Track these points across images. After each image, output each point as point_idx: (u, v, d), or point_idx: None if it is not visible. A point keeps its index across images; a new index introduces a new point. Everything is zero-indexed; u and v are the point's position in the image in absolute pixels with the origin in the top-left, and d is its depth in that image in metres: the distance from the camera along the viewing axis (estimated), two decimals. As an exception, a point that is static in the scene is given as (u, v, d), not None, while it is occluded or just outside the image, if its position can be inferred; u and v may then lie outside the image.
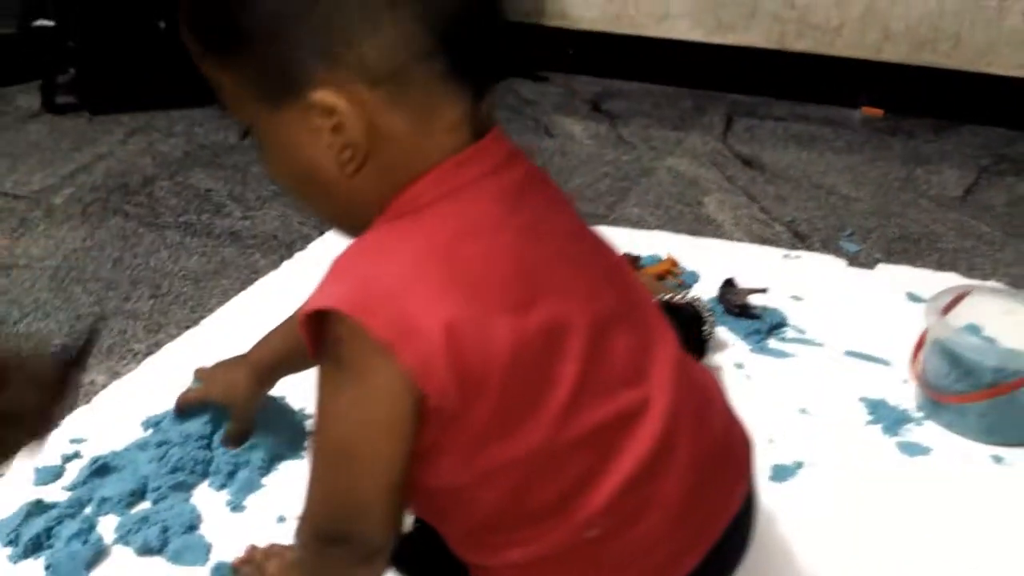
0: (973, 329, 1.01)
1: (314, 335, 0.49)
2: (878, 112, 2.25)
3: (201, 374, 0.89)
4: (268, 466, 0.86)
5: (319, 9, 0.46)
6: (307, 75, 0.47)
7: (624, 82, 2.44)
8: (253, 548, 0.75)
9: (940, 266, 1.40)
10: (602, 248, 0.60)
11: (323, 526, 0.54)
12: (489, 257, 0.50)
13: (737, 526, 0.62)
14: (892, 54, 2.24)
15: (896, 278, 1.31)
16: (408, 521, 0.67)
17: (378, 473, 0.51)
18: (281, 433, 0.88)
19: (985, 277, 1.35)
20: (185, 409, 0.87)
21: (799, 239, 1.48)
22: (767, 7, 2.31)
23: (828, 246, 1.45)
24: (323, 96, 0.47)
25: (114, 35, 2.00)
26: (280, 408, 0.91)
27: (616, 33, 2.46)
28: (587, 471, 0.53)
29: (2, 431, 0.60)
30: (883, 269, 1.36)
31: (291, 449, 0.88)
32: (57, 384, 0.61)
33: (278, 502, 0.82)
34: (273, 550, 0.74)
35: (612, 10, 2.45)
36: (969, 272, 1.38)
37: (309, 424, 0.89)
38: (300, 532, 0.56)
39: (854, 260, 1.40)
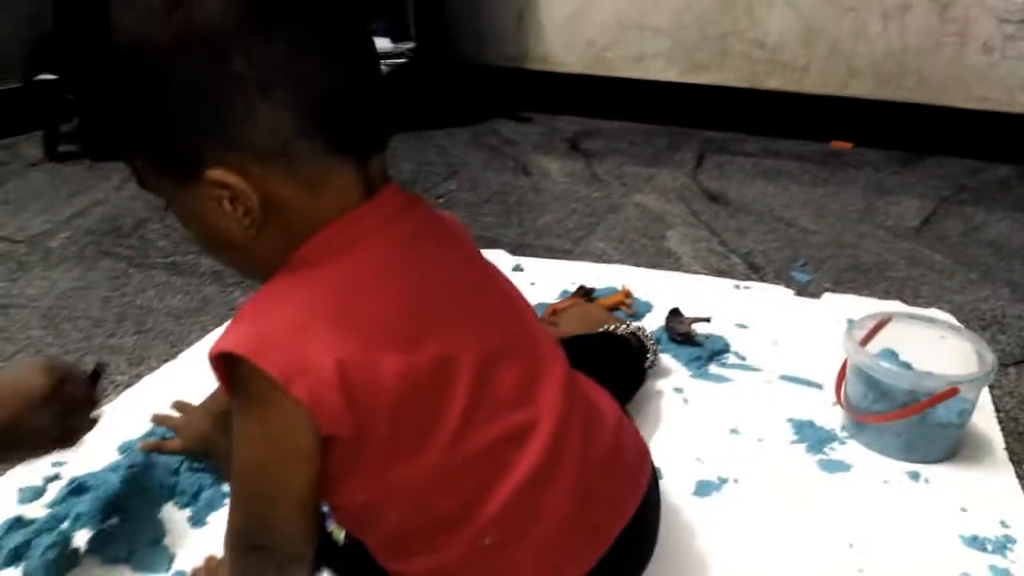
0: (890, 354, 1.08)
1: (224, 375, 0.56)
2: (847, 145, 2.34)
3: (169, 423, 0.95)
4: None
5: (205, 103, 0.52)
6: (202, 157, 0.54)
7: (603, 121, 2.54)
8: (210, 558, 0.83)
9: (887, 294, 1.47)
10: (497, 287, 0.68)
11: (243, 537, 0.61)
12: (377, 302, 0.57)
13: (631, 533, 0.69)
14: (858, 90, 2.33)
15: (839, 307, 1.38)
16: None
17: (287, 494, 0.58)
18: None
19: (928, 305, 1.42)
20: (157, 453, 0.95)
21: (753, 270, 1.55)
22: (738, 48, 2.40)
23: (781, 276, 1.53)
24: (217, 175, 0.54)
25: (113, 86, 2.11)
26: None
27: (595, 75, 2.56)
28: (480, 485, 0.61)
29: (72, 417, 0.79)
30: (828, 298, 1.43)
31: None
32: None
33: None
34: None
35: (591, 53, 2.56)
36: (914, 300, 1.45)
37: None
38: (226, 540, 0.63)
39: (803, 290, 1.47)
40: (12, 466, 0.92)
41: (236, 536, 0.62)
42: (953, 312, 1.39)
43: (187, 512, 0.90)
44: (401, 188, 0.63)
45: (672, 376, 1.18)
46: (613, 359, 1.08)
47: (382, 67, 0.60)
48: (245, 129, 0.53)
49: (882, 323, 1.10)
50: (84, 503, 0.90)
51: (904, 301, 1.43)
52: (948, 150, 2.26)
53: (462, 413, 0.58)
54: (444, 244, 0.65)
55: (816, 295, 1.45)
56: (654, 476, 0.75)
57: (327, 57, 0.54)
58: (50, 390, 0.76)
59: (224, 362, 0.55)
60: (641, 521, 0.70)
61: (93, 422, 0.83)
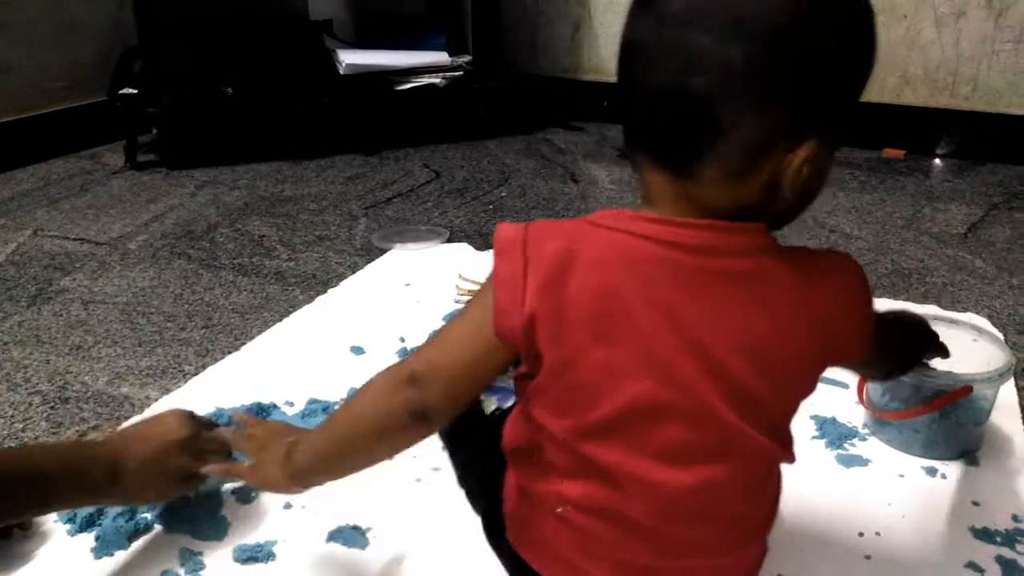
0: (910, 352, 1.11)
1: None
2: (899, 153, 2.33)
3: (246, 448, 0.82)
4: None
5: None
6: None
7: (655, 130, 2.58)
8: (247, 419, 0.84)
9: (924, 299, 1.49)
10: (746, 365, 0.60)
11: (407, 368, 0.65)
12: (589, 290, 0.59)
13: None
14: (912, 98, 2.32)
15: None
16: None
17: (466, 361, 0.63)
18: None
19: (966, 310, 1.44)
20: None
21: (792, 275, 1.58)
22: (789, 56, 2.42)
23: (819, 281, 1.55)
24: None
25: (189, 101, 2.26)
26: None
27: (647, 84, 2.61)
28: (563, 477, 0.65)
29: (200, 463, 0.87)
30: (864, 301, 1.46)
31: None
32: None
33: (283, 496, 0.98)
34: (272, 427, 0.83)
35: (643, 63, 2.60)
36: (953, 305, 1.46)
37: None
38: (390, 368, 0.67)
39: (839, 293, 1.49)
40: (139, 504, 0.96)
41: (402, 366, 0.66)
42: (990, 317, 1.41)
43: (236, 485, 0.99)
44: (772, 246, 0.61)
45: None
46: None
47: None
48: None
49: (905, 324, 1.13)
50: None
51: (941, 306, 1.45)
52: (1003, 158, 2.25)
53: (601, 421, 0.61)
54: (738, 303, 0.59)
55: (852, 299, 1.47)
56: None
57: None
58: (185, 435, 0.87)
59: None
60: None
61: (227, 472, 0.87)
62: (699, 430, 0.61)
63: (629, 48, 0.60)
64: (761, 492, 0.68)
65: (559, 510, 0.66)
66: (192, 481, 0.89)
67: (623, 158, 2.36)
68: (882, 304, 1.42)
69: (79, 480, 0.80)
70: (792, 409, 0.66)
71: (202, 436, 0.89)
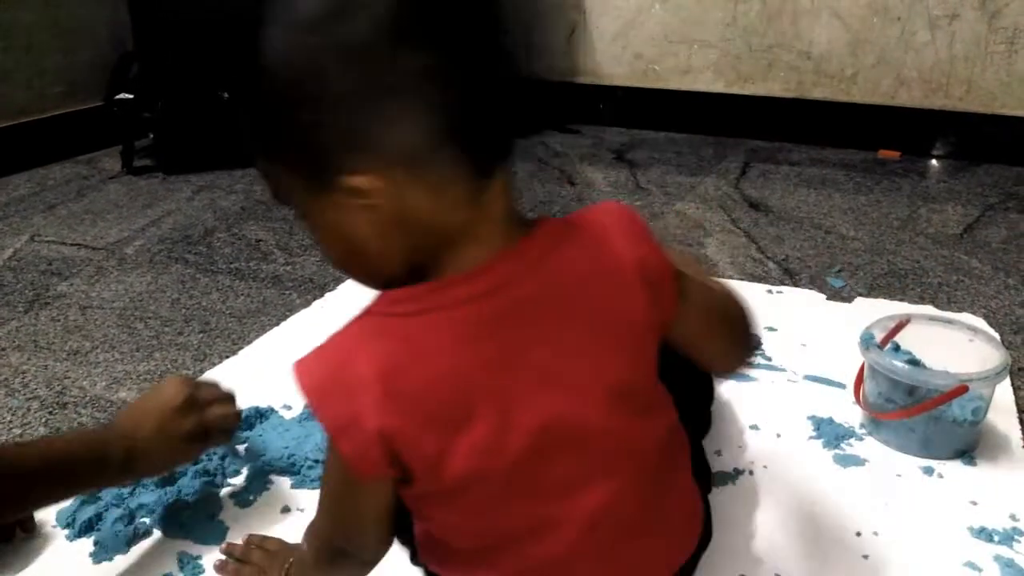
0: (907, 354, 1.12)
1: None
2: (895, 155, 2.34)
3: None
4: (268, 475, 1.03)
5: (346, 112, 0.54)
6: (342, 165, 0.54)
7: (651, 132, 2.60)
8: (232, 545, 0.91)
9: (920, 299, 1.49)
10: (592, 375, 0.61)
11: (328, 538, 0.69)
12: (430, 379, 0.57)
13: None
14: (906, 99, 2.33)
15: (870, 311, 1.40)
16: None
17: (362, 514, 0.64)
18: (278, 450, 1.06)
19: (962, 310, 1.44)
20: None
21: (788, 276, 1.59)
22: (784, 58, 2.43)
23: (815, 282, 1.56)
24: (356, 181, 0.54)
25: (184, 105, 2.26)
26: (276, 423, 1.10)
27: (643, 87, 2.62)
28: (495, 554, 0.65)
29: (212, 417, 0.92)
30: (860, 303, 1.46)
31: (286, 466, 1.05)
32: None
33: (282, 499, 0.98)
34: (253, 540, 0.90)
35: (639, 66, 2.62)
36: (949, 305, 1.47)
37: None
38: (310, 540, 0.71)
39: (835, 295, 1.50)
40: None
41: (321, 540, 0.70)
42: (986, 317, 1.41)
43: (239, 492, 0.99)
44: (547, 229, 0.61)
45: (698, 375, 1.23)
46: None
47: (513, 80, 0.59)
48: (381, 137, 0.54)
49: (901, 324, 1.13)
50: (149, 482, 1.00)
51: (938, 306, 1.46)
52: (998, 158, 2.26)
53: (494, 493, 0.61)
54: (542, 323, 0.60)
55: (848, 300, 1.48)
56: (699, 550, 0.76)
57: (463, 67, 0.55)
58: (184, 398, 0.89)
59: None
60: None
61: (237, 415, 0.96)
62: (583, 452, 0.62)
63: None
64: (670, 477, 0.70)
65: None
66: (207, 438, 0.92)
67: (619, 160, 2.36)
68: (878, 305, 1.44)
69: (100, 464, 0.83)
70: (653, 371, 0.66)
71: (201, 390, 0.92)
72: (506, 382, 0.59)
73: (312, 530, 0.72)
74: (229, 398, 0.95)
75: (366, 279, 0.63)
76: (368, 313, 0.59)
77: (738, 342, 0.75)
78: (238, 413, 0.95)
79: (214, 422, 0.91)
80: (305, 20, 0.53)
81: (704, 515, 0.77)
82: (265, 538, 0.91)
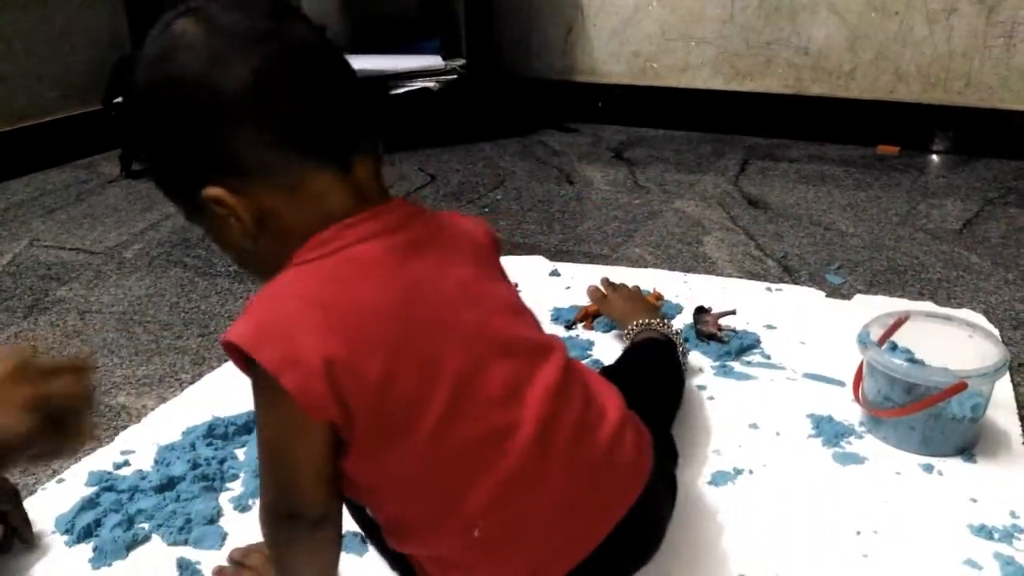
0: (905, 351, 1.11)
1: (237, 358, 0.62)
2: (893, 150, 2.34)
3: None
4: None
5: (190, 133, 0.63)
6: (199, 179, 0.64)
7: (649, 130, 2.60)
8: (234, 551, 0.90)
9: (920, 295, 1.49)
10: (495, 295, 0.72)
11: (274, 509, 0.68)
12: (364, 303, 0.62)
13: (623, 532, 0.72)
14: (905, 95, 2.33)
15: (869, 308, 1.40)
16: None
17: (304, 466, 0.64)
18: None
19: (961, 306, 1.44)
20: None
21: (787, 273, 1.59)
22: (782, 55, 2.43)
23: (814, 279, 1.56)
24: (210, 192, 0.63)
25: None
26: None
27: (641, 85, 2.62)
28: (463, 482, 0.66)
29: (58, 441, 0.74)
30: (859, 300, 1.46)
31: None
32: None
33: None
34: (252, 547, 0.89)
35: (637, 64, 2.62)
36: (948, 301, 1.46)
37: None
38: (261, 515, 0.70)
39: (835, 292, 1.50)
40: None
41: (269, 510, 0.69)
42: (986, 312, 1.41)
43: (237, 496, 0.99)
44: (407, 202, 0.70)
45: (698, 374, 1.23)
46: (660, 364, 1.12)
47: (357, 79, 0.68)
48: (226, 151, 0.62)
49: (900, 321, 1.13)
50: (148, 487, 1.00)
51: (937, 302, 1.45)
52: (997, 152, 2.25)
53: (443, 411, 0.63)
54: (445, 253, 0.69)
55: (848, 297, 1.48)
56: (659, 474, 0.78)
57: (292, 78, 0.63)
58: (19, 365, 0.73)
59: (235, 349, 0.62)
60: (638, 518, 0.74)
61: (87, 390, 0.76)
62: (513, 358, 0.68)
63: None
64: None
65: (476, 533, 0.67)
66: (49, 409, 0.73)
67: (618, 159, 2.36)
68: (878, 302, 1.43)
69: None
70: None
71: (40, 360, 0.75)
72: (434, 304, 0.65)
73: (261, 509, 0.70)
74: (77, 370, 0.77)
75: (259, 275, 0.69)
76: (287, 267, 0.64)
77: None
78: (87, 388, 0.76)
79: (56, 394, 0.74)
80: (146, 59, 0.65)
81: (660, 475, 0.79)
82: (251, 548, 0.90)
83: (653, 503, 0.78)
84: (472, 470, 0.66)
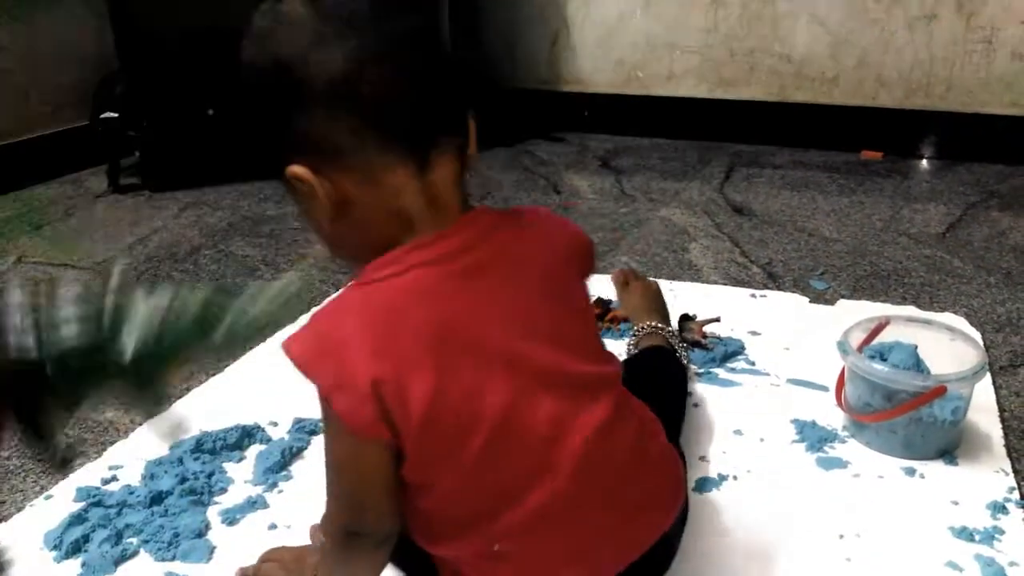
0: (882, 356, 1.12)
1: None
2: (877, 155, 2.36)
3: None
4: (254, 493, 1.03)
5: (279, 113, 0.64)
6: (286, 155, 0.64)
7: (635, 138, 2.61)
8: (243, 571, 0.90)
9: (903, 300, 1.50)
10: (553, 320, 0.69)
11: (340, 524, 0.69)
12: (417, 327, 0.63)
13: (648, 554, 0.74)
14: (887, 100, 2.35)
15: (853, 313, 1.41)
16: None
17: (373, 482, 0.66)
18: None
19: (944, 310, 1.45)
20: None
21: (772, 279, 1.60)
22: (766, 63, 2.45)
23: (798, 285, 1.57)
24: (292, 170, 0.64)
25: (170, 123, 2.27)
26: None
27: (627, 94, 2.64)
28: (493, 507, 0.67)
29: None
30: (842, 305, 1.47)
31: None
32: None
33: (269, 516, 0.99)
34: (271, 555, 0.89)
35: (622, 73, 2.63)
36: (931, 305, 1.48)
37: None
38: (326, 525, 0.71)
39: (818, 298, 1.51)
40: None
41: (334, 524, 0.70)
42: (968, 316, 1.42)
43: (226, 511, 1.00)
44: (488, 211, 0.69)
45: (682, 381, 1.24)
46: (670, 376, 1.14)
47: (446, 68, 0.66)
48: (310, 131, 0.63)
49: (880, 326, 1.14)
50: (136, 502, 1.00)
51: (920, 306, 1.47)
52: (979, 157, 2.28)
53: (483, 447, 0.64)
54: (508, 277, 0.68)
55: (831, 302, 1.49)
56: (682, 515, 0.80)
57: (381, 67, 0.62)
58: None
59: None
60: (660, 546, 0.76)
61: None
62: (561, 393, 0.68)
63: None
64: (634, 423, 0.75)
65: (496, 547, 0.68)
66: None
67: (604, 167, 2.38)
68: (861, 307, 1.45)
69: None
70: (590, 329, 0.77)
71: None
72: (483, 330, 0.65)
73: (324, 519, 0.72)
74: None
75: (342, 257, 0.73)
76: (352, 284, 0.66)
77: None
78: None
79: None
80: (251, 33, 0.65)
81: (684, 491, 0.81)
82: (276, 549, 0.91)
83: (676, 534, 0.80)
84: (505, 500, 0.67)
